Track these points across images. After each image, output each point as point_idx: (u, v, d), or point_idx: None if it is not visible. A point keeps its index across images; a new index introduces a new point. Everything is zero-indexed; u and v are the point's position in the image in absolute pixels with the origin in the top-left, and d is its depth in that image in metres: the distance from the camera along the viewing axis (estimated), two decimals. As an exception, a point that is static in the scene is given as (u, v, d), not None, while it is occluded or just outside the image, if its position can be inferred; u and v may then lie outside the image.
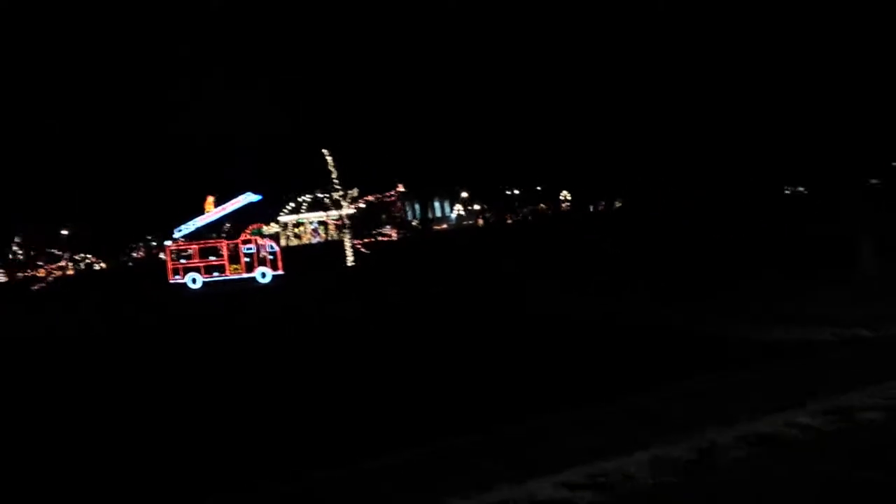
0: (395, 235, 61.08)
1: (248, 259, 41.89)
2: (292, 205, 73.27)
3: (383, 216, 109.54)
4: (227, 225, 69.48)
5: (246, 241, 42.47)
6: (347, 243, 47.87)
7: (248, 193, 43.24)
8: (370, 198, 53.62)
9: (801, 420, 7.15)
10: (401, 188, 57.08)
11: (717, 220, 44.00)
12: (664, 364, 9.89)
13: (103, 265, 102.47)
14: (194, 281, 42.00)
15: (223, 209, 44.13)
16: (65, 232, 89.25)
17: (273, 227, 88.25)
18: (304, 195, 69.97)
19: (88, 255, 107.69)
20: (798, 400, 7.41)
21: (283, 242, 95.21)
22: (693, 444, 6.83)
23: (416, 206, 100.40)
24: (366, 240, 48.33)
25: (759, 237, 30.05)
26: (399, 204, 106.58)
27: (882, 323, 10.12)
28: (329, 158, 48.02)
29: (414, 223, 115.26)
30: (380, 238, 52.79)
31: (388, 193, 55.56)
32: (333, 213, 53.34)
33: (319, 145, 48.56)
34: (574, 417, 7.49)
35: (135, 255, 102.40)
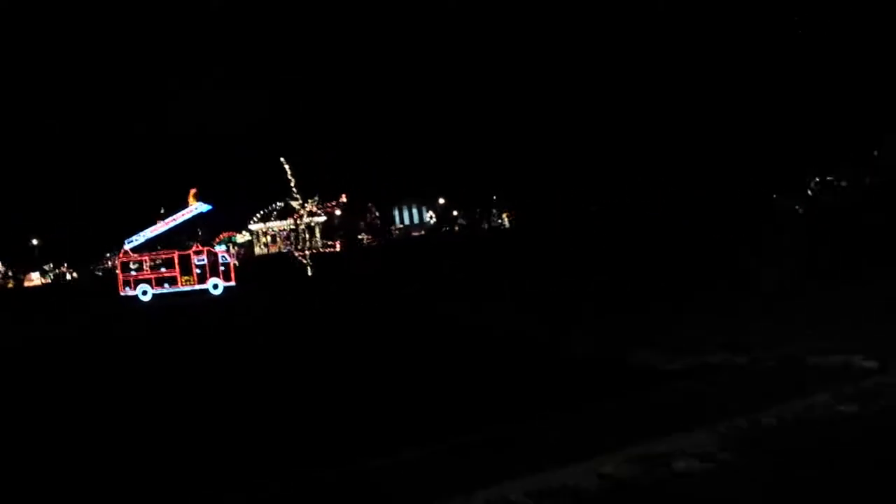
0: (339, 247, 60.34)
1: (199, 270, 41.12)
2: (262, 212, 72.26)
3: (361, 223, 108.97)
4: (199, 233, 68.74)
5: (198, 252, 41.68)
6: (307, 253, 47.24)
7: (199, 203, 42.39)
8: (314, 208, 52.98)
9: (605, 469, 6.40)
10: (343, 199, 56.47)
11: (714, 221, 42.74)
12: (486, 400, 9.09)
13: (75, 275, 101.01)
14: (145, 293, 41.19)
15: (173, 220, 43.25)
16: (35, 242, 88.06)
17: (245, 236, 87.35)
18: (276, 203, 69.30)
19: (63, 265, 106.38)
20: (613, 444, 6.66)
21: (256, 251, 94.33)
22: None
23: (377, 213, 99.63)
24: (308, 251, 47.69)
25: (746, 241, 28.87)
26: (375, 212, 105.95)
27: (740, 351, 9.26)
28: (287, 167, 47.36)
29: (394, 229, 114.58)
30: (323, 249, 52.23)
31: (330, 203, 55.02)
32: (296, 221, 52.94)
33: (286, 153, 47.92)
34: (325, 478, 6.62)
35: (108, 264, 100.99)
